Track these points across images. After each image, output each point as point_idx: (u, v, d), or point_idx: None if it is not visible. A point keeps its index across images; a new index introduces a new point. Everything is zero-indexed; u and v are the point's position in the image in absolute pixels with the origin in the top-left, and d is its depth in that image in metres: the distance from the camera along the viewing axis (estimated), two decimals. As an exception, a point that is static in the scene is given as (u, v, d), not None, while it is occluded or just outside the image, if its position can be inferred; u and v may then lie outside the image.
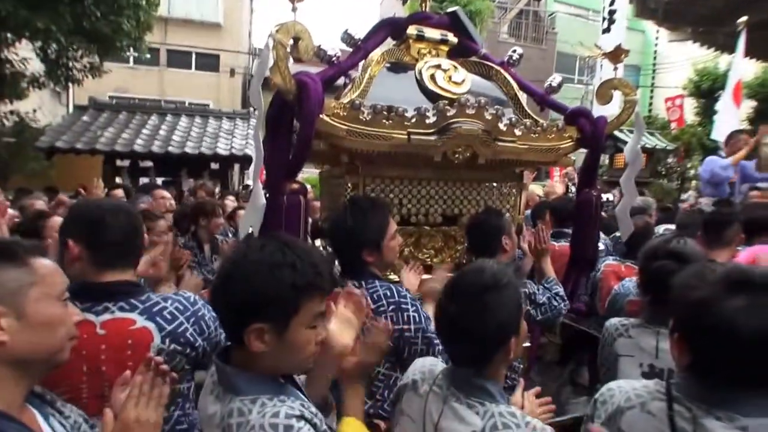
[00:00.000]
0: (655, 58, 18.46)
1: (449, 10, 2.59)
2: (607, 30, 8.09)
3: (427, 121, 2.00)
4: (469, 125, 2.02)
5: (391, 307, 1.72)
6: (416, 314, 1.73)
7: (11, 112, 9.56)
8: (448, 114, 2.01)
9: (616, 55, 2.33)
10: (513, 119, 2.14)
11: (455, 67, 2.32)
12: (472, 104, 2.02)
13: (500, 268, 1.27)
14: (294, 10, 1.70)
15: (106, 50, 8.60)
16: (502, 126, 2.10)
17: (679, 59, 15.49)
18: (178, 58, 17.32)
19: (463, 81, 2.31)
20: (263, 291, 1.04)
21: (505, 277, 1.24)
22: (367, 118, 1.94)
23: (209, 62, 17.58)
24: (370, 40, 2.40)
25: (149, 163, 9.09)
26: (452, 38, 2.48)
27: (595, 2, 17.50)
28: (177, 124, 9.29)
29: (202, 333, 1.47)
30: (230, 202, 5.75)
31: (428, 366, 1.40)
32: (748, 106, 12.58)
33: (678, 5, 6.75)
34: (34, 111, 10.25)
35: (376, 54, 2.28)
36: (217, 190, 9.18)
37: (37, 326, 1.03)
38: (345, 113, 1.93)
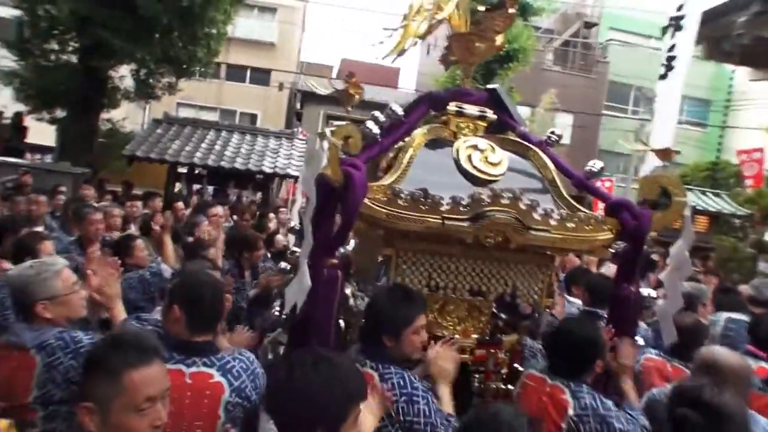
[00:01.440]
0: (729, 95, 15.60)
1: (489, 86, 2.54)
2: (664, 76, 7.47)
3: (462, 209, 1.95)
4: (503, 215, 1.95)
5: (403, 398, 1.69)
6: (427, 407, 1.69)
7: (107, 120, 11.21)
8: (483, 203, 1.94)
9: (665, 153, 2.17)
10: (548, 209, 2.05)
11: (492, 148, 2.25)
12: (507, 195, 1.96)
13: (517, 419, 1.25)
14: (348, 112, 1.72)
15: (182, 73, 9.95)
16: (536, 216, 2.00)
17: (763, 96, 11.81)
18: (235, 73, 18.04)
19: (500, 162, 2.23)
20: (321, 405, 1.17)
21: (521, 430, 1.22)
22: (405, 204, 1.91)
23: (261, 77, 18.26)
24: (411, 114, 2.37)
25: (204, 170, 9.67)
26: (490, 114, 2.42)
27: (655, 27, 16.54)
28: (230, 140, 9.71)
29: (257, 389, 1.70)
30: (272, 224, 5.82)
31: None
32: None
33: (760, 47, 5.56)
34: (123, 119, 11.85)
35: (417, 134, 2.24)
36: (258, 196, 9.79)
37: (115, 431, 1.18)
38: (385, 198, 1.90)
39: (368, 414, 1.48)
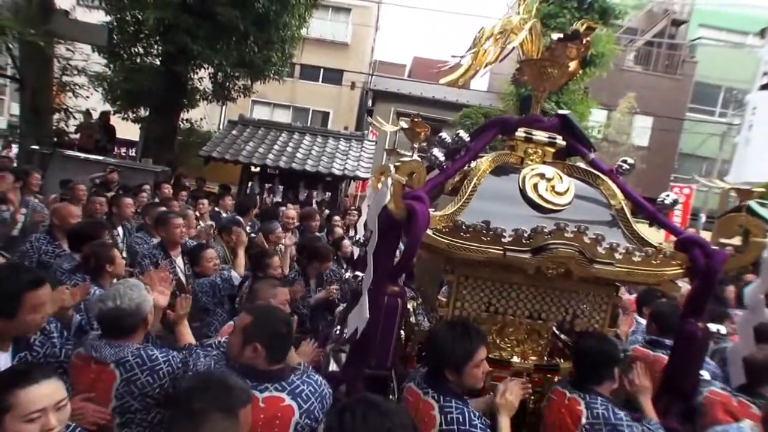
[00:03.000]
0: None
1: (560, 112, 2.52)
2: (766, 86, 6.99)
3: (524, 241, 1.98)
4: (566, 248, 1.96)
5: None
6: None
7: (186, 120, 11.85)
8: (545, 236, 1.97)
9: (746, 193, 2.08)
10: (613, 243, 2.03)
11: (559, 177, 2.26)
12: (571, 228, 1.96)
13: None
14: (413, 149, 1.79)
15: (256, 76, 10.33)
16: (600, 249, 2.01)
17: None
18: (309, 72, 18.60)
19: (567, 191, 2.24)
20: None
21: None
22: (467, 235, 1.98)
23: (334, 76, 18.69)
24: (479, 139, 2.41)
25: (276, 171, 10.16)
26: (560, 141, 2.42)
27: (752, 23, 15.07)
28: (302, 142, 10.13)
29: (323, 408, 1.81)
30: (338, 228, 5.98)
31: None
32: None
33: None
34: (201, 119, 12.47)
35: (483, 161, 2.29)
36: (327, 195, 10.01)
37: None
38: (447, 229, 1.98)
39: None
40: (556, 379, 2.35)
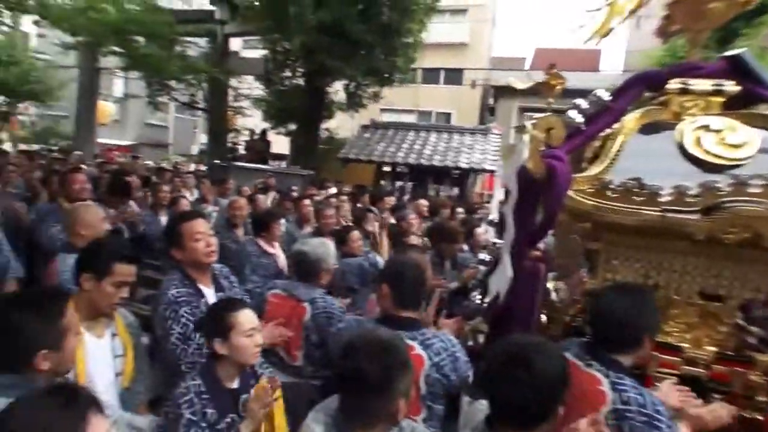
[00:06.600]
0: None
1: (729, 53, 2.04)
2: None
3: (688, 200, 1.63)
4: (751, 206, 1.57)
5: (642, 418, 1.43)
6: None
7: (326, 129, 13.31)
8: (719, 193, 1.60)
9: None
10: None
11: (732, 127, 1.83)
12: (758, 182, 1.56)
13: None
14: (549, 104, 1.60)
15: (384, 82, 11.02)
16: (801, 206, 1.56)
17: None
18: (430, 76, 18.67)
19: (745, 143, 1.79)
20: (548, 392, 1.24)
21: None
22: (616, 195, 1.70)
23: (454, 76, 18.51)
24: (621, 98, 2.07)
25: (405, 168, 10.46)
26: (730, 87, 1.96)
27: None
28: (428, 139, 10.24)
29: (456, 370, 1.75)
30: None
31: None
32: None
33: None
34: (337, 127, 14.00)
35: (628, 119, 1.97)
36: (455, 191, 9.91)
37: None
38: (592, 190, 1.73)
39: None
40: (752, 376, 1.76)
